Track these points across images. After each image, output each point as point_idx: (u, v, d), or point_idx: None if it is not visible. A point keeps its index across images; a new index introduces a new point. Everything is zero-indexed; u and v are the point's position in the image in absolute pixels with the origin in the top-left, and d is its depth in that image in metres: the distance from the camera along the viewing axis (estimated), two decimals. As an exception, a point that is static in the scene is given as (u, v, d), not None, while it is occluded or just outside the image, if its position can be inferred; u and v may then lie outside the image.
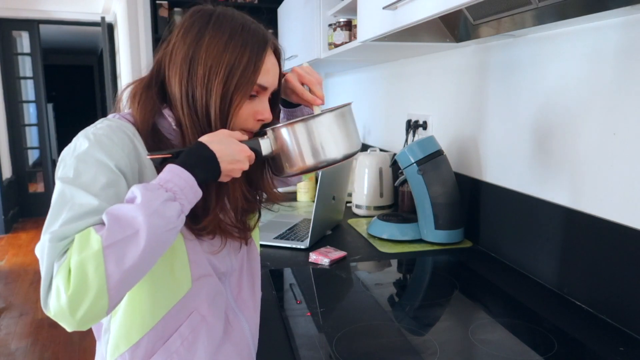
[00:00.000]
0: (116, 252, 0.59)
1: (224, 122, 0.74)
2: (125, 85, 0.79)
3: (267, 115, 0.78)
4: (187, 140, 0.74)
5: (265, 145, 0.76)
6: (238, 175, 0.73)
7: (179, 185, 0.65)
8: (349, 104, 0.80)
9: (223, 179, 0.72)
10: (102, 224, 0.61)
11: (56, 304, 0.58)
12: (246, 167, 0.73)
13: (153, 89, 0.76)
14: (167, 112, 0.76)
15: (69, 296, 0.57)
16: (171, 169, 0.66)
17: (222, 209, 0.78)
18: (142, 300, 0.75)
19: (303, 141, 0.75)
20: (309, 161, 0.76)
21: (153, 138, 0.73)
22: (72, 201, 0.63)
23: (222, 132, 0.72)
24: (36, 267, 3.70)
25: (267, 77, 0.76)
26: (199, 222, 0.74)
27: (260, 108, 0.77)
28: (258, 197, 0.87)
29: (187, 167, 0.66)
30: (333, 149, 0.76)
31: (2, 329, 2.80)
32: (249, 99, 0.75)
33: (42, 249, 0.61)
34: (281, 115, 0.95)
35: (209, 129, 0.74)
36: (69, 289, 0.57)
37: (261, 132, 0.79)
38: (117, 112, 0.77)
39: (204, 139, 0.70)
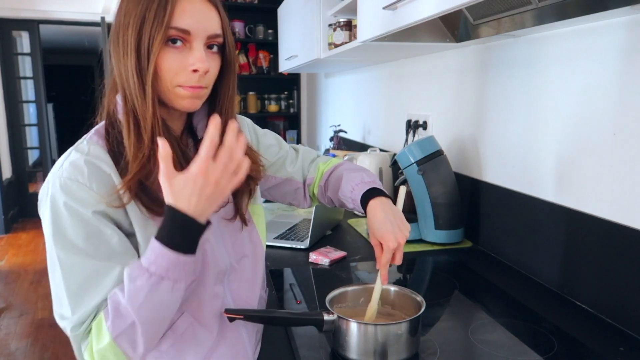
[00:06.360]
0: (126, 338, 0.67)
1: (142, 81, 0.68)
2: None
3: (201, 65, 0.69)
4: (129, 124, 0.71)
5: (328, 324, 0.81)
6: (228, 194, 0.67)
7: (163, 266, 0.65)
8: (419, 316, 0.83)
9: (215, 206, 0.67)
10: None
11: None
12: (231, 190, 0.67)
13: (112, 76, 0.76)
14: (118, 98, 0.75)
15: None
16: (153, 247, 0.65)
17: None
18: None
19: (368, 340, 0.80)
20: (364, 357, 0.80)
21: (114, 141, 0.74)
22: (64, 276, 0.68)
23: (195, 178, 0.63)
24: (36, 267, 3.70)
25: (185, 18, 0.68)
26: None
27: (191, 58, 0.69)
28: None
29: (166, 243, 0.64)
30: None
31: (2, 329, 2.80)
32: (175, 50, 0.69)
33: (65, 329, 0.70)
34: (318, 178, 1.03)
35: (135, 92, 0.69)
36: None
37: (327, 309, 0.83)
38: (96, 124, 0.79)
39: (169, 199, 0.64)
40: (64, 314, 0.69)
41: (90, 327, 0.69)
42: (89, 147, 0.73)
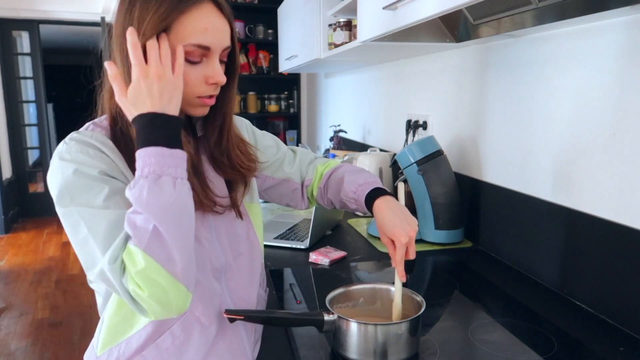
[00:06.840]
0: (156, 247, 0.64)
1: None
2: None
3: (219, 78, 0.74)
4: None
5: (328, 324, 0.81)
6: (180, 82, 0.69)
7: (152, 162, 0.65)
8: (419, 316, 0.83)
9: (175, 99, 0.69)
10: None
11: (150, 311, 0.67)
12: (179, 87, 0.69)
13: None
14: None
15: (149, 297, 0.65)
16: (139, 155, 0.66)
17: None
18: None
19: (368, 341, 0.80)
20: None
21: (120, 135, 0.74)
22: (90, 229, 0.67)
23: (138, 84, 0.67)
24: (36, 267, 3.70)
25: (206, 35, 0.71)
26: None
27: (209, 72, 0.73)
28: (229, 162, 0.85)
29: (146, 143, 0.66)
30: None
31: (2, 329, 2.80)
32: (192, 64, 0.72)
33: (104, 276, 0.67)
34: (316, 177, 1.02)
35: None
36: (144, 292, 0.65)
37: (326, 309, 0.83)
38: (96, 118, 0.79)
39: (131, 113, 0.68)
40: (96, 260, 0.67)
41: (123, 260, 0.66)
42: (92, 133, 0.74)
